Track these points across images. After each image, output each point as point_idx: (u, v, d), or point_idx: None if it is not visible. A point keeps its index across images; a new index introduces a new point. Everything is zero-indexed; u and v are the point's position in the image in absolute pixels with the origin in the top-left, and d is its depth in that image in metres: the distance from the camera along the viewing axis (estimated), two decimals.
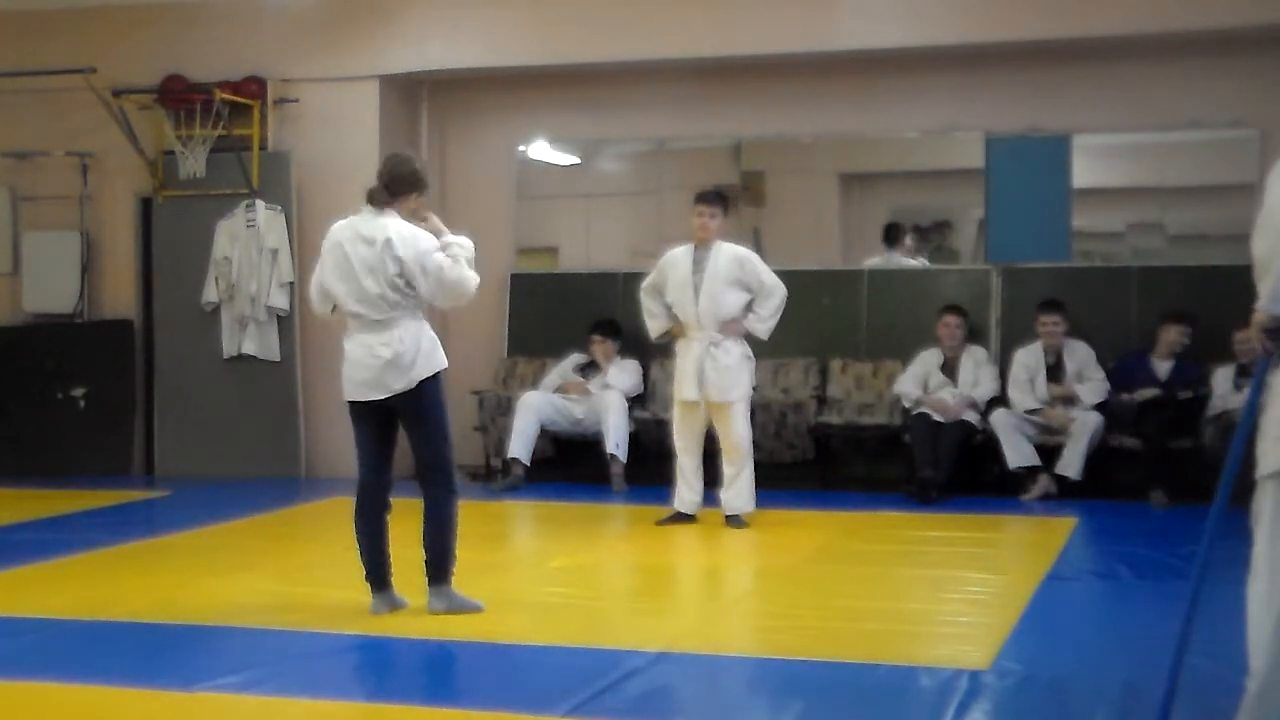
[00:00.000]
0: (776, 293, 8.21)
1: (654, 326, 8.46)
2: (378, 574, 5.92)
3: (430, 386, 5.83)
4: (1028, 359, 9.60)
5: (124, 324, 11.24)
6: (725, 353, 8.13)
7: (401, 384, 5.78)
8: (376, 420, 5.94)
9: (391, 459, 6.03)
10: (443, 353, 5.90)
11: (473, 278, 5.88)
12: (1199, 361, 9.32)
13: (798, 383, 10.26)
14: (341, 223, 5.96)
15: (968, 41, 9.82)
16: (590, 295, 10.57)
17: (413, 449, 5.91)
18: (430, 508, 5.88)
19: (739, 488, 8.20)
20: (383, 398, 5.81)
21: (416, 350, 5.78)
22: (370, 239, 5.78)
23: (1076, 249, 10.15)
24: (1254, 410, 3.70)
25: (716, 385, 8.11)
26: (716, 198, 8.33)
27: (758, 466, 8.78)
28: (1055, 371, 9.54)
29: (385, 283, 5.74)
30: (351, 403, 5.93)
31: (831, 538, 7.97)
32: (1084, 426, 9.20)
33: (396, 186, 5.88)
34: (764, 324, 8.23)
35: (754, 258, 8.31)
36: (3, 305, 11.47)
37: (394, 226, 5.80)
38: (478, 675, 5.14)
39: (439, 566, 5.86)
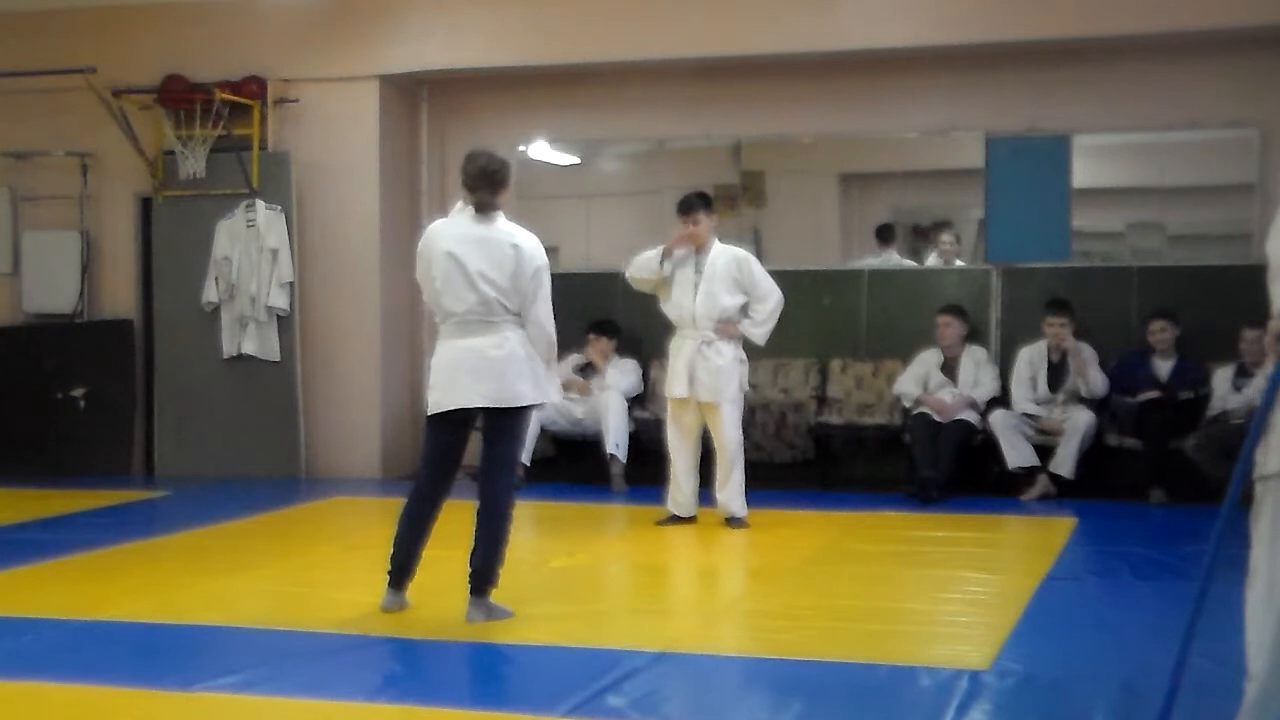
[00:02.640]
0: (772, 297, 8.19)
1: (650, 256, 8.24)
2: (403, 574, 5.81)
3: (524, 410, 5.75)
4: (1032, 356, 9.61)
5: (124, 324, 11.24)
6: (717, 353, 8.12)
7: (530, 395, 5.65)
8: (461, 429, 5.77)
9: (458, 469, 5.86)
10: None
11: (552, 332, 5.80)
12: (1199, 362, 9.33)
13: (798, 383, 10.26)
14: (440, 224, 5.82)
15: (968, 41, 9.82)
16: (590, 295, 10.55)
17: (489, 442, 5.75)
18: (489, 514, 5.70)
19: (731, 490, 8.18)
20: (484, 406, 5.63)
21: (533, 360, 5.69)
22: (491, 242, 5.65)
23: (1076, 249, 10.14)
24: (1267, 412, 3.66)
25: (707, 386, 8.10)
26: (694, 204, 8.21)
27: (757, 466, 8.78)
28: (1058, 370, 9.54)
29: (500, 287, 5.61)
30: (441, 413, 5.69)
31: (831, 538, 7.97)
32: (1076, 426, 9.21)
33: (496, 186, 5.74)
34: (759, 329, 8.20)
35: (752, 260, 8.29)
36: (3, 305, 11.47)
37: (518, 232, 5.73)
38: (478, 675, 5.14)
39: (486, 578, 5.67)
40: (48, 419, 11.09)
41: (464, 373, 5.62)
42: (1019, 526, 8.71)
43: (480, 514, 5.72)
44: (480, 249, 5.64)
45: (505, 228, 5.73)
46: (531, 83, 10.88)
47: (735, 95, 10.54)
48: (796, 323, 10.31)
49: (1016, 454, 9.30)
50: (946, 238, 10.62)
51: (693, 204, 8.20)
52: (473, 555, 5.69)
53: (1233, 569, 3.84)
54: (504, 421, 5.72)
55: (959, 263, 10.59)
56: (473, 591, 5.69)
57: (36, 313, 11.35)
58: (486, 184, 5.72)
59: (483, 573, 5.67)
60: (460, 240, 5.66)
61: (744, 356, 8.29)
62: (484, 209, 5.71)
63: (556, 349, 5.93)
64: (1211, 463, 8.36)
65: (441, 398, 5.69)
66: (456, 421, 5.74)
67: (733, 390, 8.18)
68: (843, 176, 11.18)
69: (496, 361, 5.61)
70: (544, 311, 5.77)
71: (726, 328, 8.14)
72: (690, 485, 8.27)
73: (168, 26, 10.93)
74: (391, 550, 5.83)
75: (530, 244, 5.73)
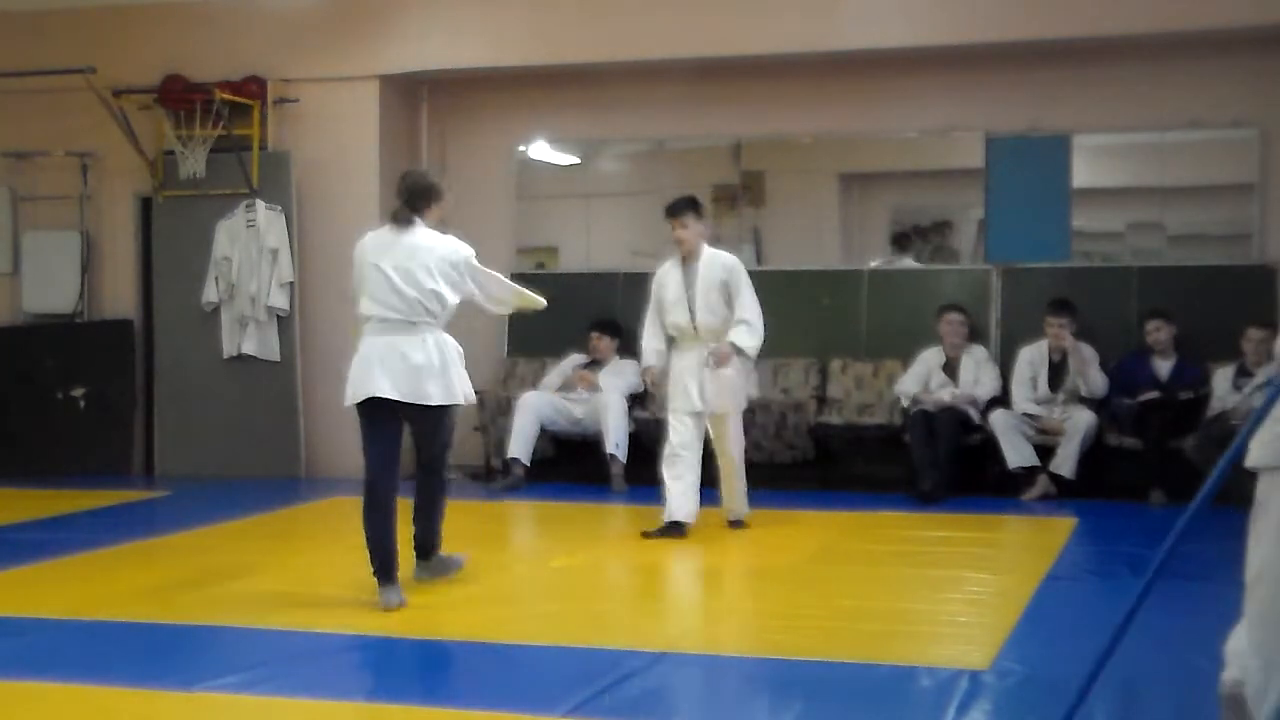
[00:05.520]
0: (750, 314, 7.83)
1: (644, 358, 8.13)
2: (388, 567, 6.03)
3: (458, 408, 6.24)
4: (1033, 356, 9.61)
5: (124, 324, 11.25)
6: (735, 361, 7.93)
7: (439, 396, 6.05)
8: (392, 419, 6.12)
9: (399, 457, 6.19)
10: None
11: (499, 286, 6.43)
12: (1199, 362, 9.33)
13: (798, 383, 10.26)
14: (370, 235, 6.29)
15: (968, 41, 9.82)
16: (590, 295, 10.56)
17: (419, 446, 6.23)
18: (425, 499, 6.32)
19: (737, 496, 8.11)
20: (408, 402, 6.01)
21: (452, 364, 6.11)
22: (409, 247, 6.09)
23: (1076, 249, 10.14)
24: (1262, 416, 3.63)
25: (716, 396, 7.84)
26: (682, 207, 7.88)
27: (758, 466, 8.76)
28: (1059, 370, 9.54)
29: (421, 289, 6.02)
30: (366, 402, 6.06)
31: (831, 538, 7.97)
32: (1077, 425, 9.21)
33: (418, 201, 6.20)
34: (750, 339, 7.84)
35: (741, 269, 7.98)
36: (3, 305, 11.48)
37: (432, 237, 6.17)
38: (478, 675, 5.14)
39: (427, 547, 6.36)
40: (48, 419, 11.10)
41: (377, 366, 6.02)
42: (1019, 526, 8.71)
43: (416, 507, 6.33)
44: (400, 255, 6.07)
45: (424, 235, 6.16)
46: (531, 83, 10.88)
47: (735, 95, 10.54)
48: (796, 323, 10.32)
49: (1016, 454, 9.30)
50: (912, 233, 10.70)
51: (680, 207, 7.89)
52: (414, 532, 6.35)
53: (1227, 567, 3.83)
54: (424, 423, 6.13)
55: (912, 262, 10.61)
56: (418, 557, 6.35)
57: (36, 313, 11.35)
58: (408, 199, 6.23)
59: (424, 544, 6.36)
60: (383, 249, 6.13)
61: (751, 365, 8.23)
62: (400, 220, 6.18)
63: (514, 288, 6.55)
64: (1211, 463, 8.30)
65: (356, 389, 6.09)
66: (380, 410, 6.06)
67: (740, 399, 8.10)
68: (843, 176, 11.17)
69: (409, 360, 6.00)
70: (486, 279, 6.31)
71: (720, 356, 7.80)
72: (697, 495, 7.89)
73: (168, 26, 10.93)
74: (369, 549, 6.03)
75: (447, 245, 6.18)
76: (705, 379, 7.90)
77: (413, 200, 6.21)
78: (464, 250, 6.21)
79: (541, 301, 6.70)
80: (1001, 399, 9.63)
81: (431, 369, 6.02)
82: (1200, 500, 3.42)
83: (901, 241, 10.78)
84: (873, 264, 10.63)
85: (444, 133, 11.19)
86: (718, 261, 7.97)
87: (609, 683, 4.69)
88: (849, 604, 6.11)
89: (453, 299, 6.12)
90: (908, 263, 10.71)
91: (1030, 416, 9.45)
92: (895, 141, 10.66)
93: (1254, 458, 3.63)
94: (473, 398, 6.31)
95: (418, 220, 6.17)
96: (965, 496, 9.18)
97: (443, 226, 6.31)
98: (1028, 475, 9.31)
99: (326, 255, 10.76)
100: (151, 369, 11.17)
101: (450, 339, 6.17)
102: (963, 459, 9.44)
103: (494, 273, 6.43)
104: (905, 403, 9.70)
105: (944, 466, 9.26)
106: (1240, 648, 3.74)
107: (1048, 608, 6.01)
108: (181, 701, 4.62)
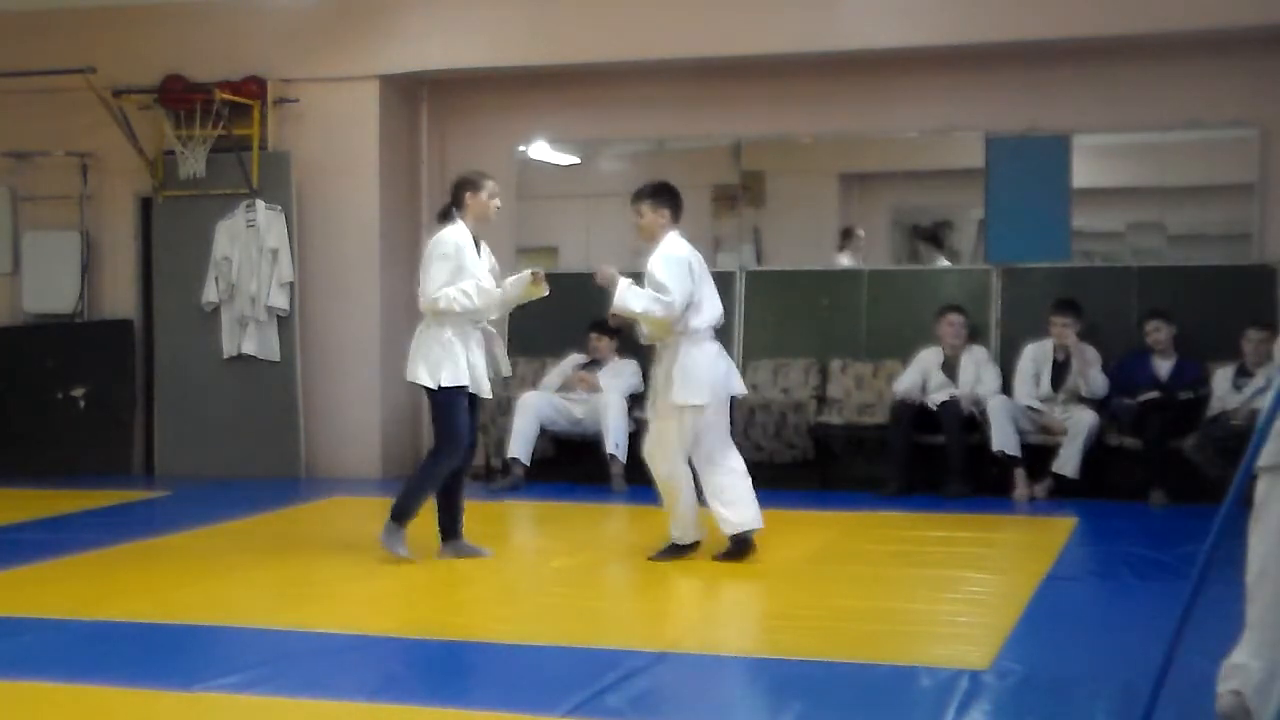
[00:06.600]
0: (658, 289, 6.86)
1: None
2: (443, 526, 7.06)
3: (431, 391, 6.88)
4: (1037, 353, 9.62)
5: (124, 324, 11.24)
6: (671, 358, 6.96)
7: (412, 376, 6.91)
8: None
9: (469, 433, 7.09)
10: (443, 370, 6.81)
11: (439, 295, 6.78)
12: (1199, 362, 9.33)
13: (798, 383, 10.26)
14: None
15: (968, 41, 9.82)
16: (590, 295, 10.49)
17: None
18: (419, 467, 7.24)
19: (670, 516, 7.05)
20: (411, 380, 6.97)
21: (423, 352, 6.85)
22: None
23: (1076, 249, 10.15)
24: (1269, 423, 3.62)
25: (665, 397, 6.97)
26: (640, 193, 7.11)
27: (758, 466, 8.68)
28: (1061, 369, 9.54)
29: (420, 282, 6.90)
30: None
31: (831, 538, 7.97)
32: (1080, 425, 9.22)
33: (455, 197, 6.94)
34: (635, 294, 6.91)
35: (662, 256, 6.92)
36: (3, 305, 11.47)
37: (440, 232, 6.91)
38: (478, 675, 5.14)
39: (393, 509, 6.92)
40: (48, 419, 11.09)
41: None
42: (1019, 526, 8.71)
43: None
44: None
45: (443, 231, 6.88)
46: (531, 83, 10.88)
47: (735, 95, 10.54)
48: (796, 323, 10.32)
49: (1002, 437, 9.30)
50: (860, 231, 10.69)
51: (638, 194, 7.10)
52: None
53: (1228, 568, 3.83)
54: (429, 400, 6.97)
55: (850, 261, 10.63)
56: (442, 539, 7.04)
57: (36, 313, 11.35)
58: (451, 197, 6.98)
59: (395, 503, 6.95)
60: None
61: (686, 364, 6.84)
62: (440, 217, 7.01)
63: (431, 299, 6.80)
64: (1210, 463, 8.37)
65: None
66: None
67: (675, 397, 6.84)
68: (843, 176, 11.17)
69: (413, 346, 6.93)
70: (427, 276, 6.81)
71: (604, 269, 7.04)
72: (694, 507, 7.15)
73: (168, 26, 10.93)
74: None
75: (436, 237, 6.88)
76: (658, 378, 7.07)
77: (452, 198, 6.95)
78: (439, 243, 6.83)
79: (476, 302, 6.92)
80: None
81: (416, 348, 6.88)
82: (1229, 504, 3.41)
83: (936, 240, 10.79)
84: (837, 263, 10.66)
85: (444, 133, 11.19)
86: (656, 252, 7.00)
87: (609, 683, 4.70)
88: (849, 604, 6.11)
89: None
90: (845, 262, 10.68)
91: (1032, 410, 9.45)
92: (895, 141, 10.66)
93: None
94: (424, 380, 6.79)
95: (455, 216, 6.87)
96: (965, 497, 9.18)
97: (479, 225, 6.95)
98: (1011, 465, 9.29)
99: (326, 255, 10.78)
100: (151, 369, 11.17)
101: (438, 327, 6.81)
102: (970, 452, 9.46)
103: (434, 274, 6.80)
104: (909, 397, 9.61)
105: (958, 464, 9.36)
106: (1239, 662, 3.74)
107: (1048, 608, 6.01)
108: (181, 701, 4.62)
